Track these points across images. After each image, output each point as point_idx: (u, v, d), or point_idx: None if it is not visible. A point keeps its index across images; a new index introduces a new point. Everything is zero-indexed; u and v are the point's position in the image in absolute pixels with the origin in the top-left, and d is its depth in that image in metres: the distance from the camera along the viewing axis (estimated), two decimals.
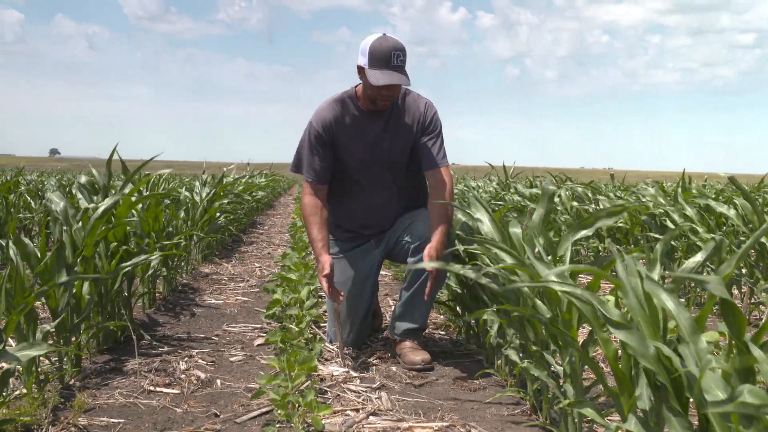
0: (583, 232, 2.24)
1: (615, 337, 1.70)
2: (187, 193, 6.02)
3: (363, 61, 2.98)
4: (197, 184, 6.63)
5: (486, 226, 2.69)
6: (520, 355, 2.51)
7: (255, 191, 10.89)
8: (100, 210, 2.86)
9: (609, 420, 2.09)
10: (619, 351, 1.69)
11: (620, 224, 5.40)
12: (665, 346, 1.43)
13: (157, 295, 4.35)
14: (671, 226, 4.72)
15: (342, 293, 3.12)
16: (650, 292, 1.48)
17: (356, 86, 3.19)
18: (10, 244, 2.50)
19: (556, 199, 6.24)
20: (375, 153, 3.17)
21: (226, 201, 7.00)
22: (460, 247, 2.98)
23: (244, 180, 10.11)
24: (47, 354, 2.71)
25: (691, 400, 1.44)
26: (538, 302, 2.09)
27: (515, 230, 2.59)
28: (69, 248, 2.76)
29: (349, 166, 3.18)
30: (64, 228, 2.82)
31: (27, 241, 2.59)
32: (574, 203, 6.12)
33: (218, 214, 6.66)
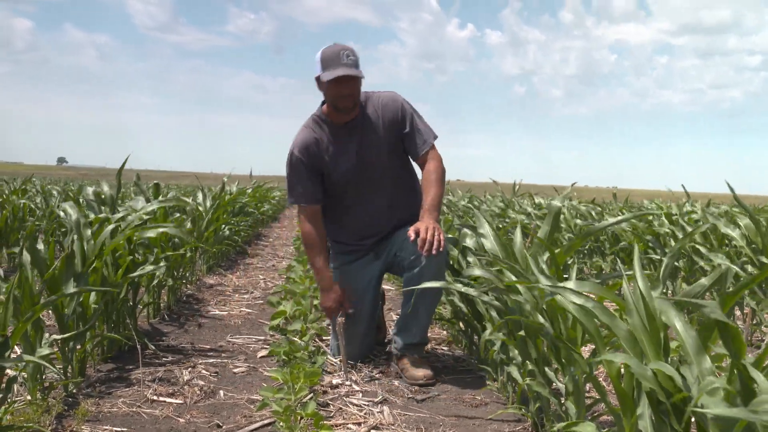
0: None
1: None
2: (192, 203, 6.05)
3: (317, 69, 3.07)
4: (199, 195, 6.62)
5: (490, 241, 2.70)
6: (522, 372, 2.52)
7: (260, 203, 10.91)
8: (111, 226, 2.90)
9: None
10: (622, 370, 1.70)
11: (624, 244, 5.41)
12: (667, 365, 1.44)
13: (161, 305, 4.37)
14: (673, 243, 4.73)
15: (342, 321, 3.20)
16: (660, 309, 1.49)
17: (321, 105, 3.26)
18: (24, 250, 2.52)
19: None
20: (361, 161, 3.20)
21: (231, 213, 7.02)
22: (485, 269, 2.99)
23: (249, 192, 10.13)
24: (52, 361, 2.73)
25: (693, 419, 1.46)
26: (541, 318, 2.10)
27: (519, 246, 2.61)
28: (79, 258, 2.78)
29: (340, 181, 3.21)
30: (75, 238, 2.83)
31: (40, 247, 2.62)
32: (578, 221, 6.12)
33: (223, 226, 6.68)
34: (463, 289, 2.55)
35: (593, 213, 6.61)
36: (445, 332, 4.03)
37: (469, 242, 3.14)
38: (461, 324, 3.54)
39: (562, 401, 2.15)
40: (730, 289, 2.26)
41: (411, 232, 2.97)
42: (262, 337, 3.82)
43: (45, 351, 2.26)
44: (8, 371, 2.61)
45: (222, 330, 4.01)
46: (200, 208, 6.09)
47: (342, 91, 3.05)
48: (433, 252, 2.93)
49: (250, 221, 9.44)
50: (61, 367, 2.71)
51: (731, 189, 3.99)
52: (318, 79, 3.09)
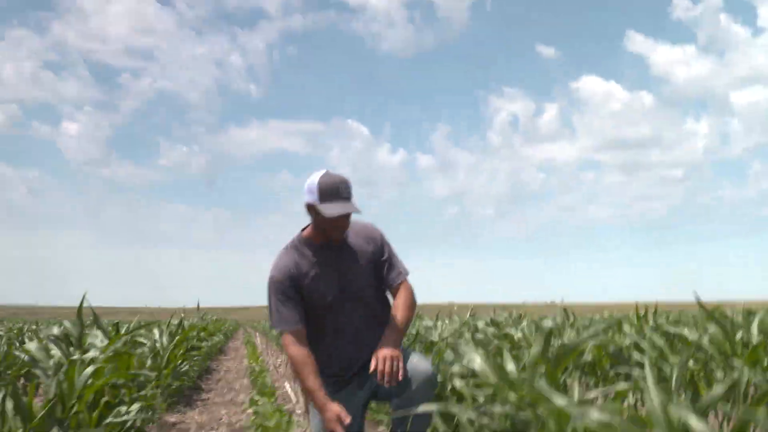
0: None
1: None
2: (150, 342, 5.93)
3: (312, 198, 3.07)
4: (156, 332, 6.50)
5: (478, 364, 2.72)
6: None
7: (209, 336, 10.72)
8: (92, 368, 2.83)
9: None
10: None
11: (587, 356, 5.45)
12: None
13: None
14: (637, 356, 4.82)
15: None
16: (681, 417, 1.52)
17: (302, 230, 3.27)
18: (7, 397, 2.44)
19: (519, 334, 6.30)
20: (343, 285, 3.20)
21: (187, 348, 6.90)
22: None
23: (199, 325, 9.96)
24: None
25: None
26: None
27: (510, 367, 2.63)
28: (59, 403, 2.70)
29: (321, 307, 3.18)
30: (56, 381, 2.76)
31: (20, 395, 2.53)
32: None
33: (180, 362, 6.54)
34: (464, 414, 2.53)
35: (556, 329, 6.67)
36: None
37: (455, 367, 3.14)
38: None
39: None
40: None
41: (372, 364, 2.97)
42: None
43: None
44: None
45: None
46: (157, 345, 5.98)
47: (339, 224, 3.10)
48: (392, 383, 2.93)
49: (202, 354, 9.25)
50: None
51: (703, 306, 4.10)
52: (311, 206, 3.10)
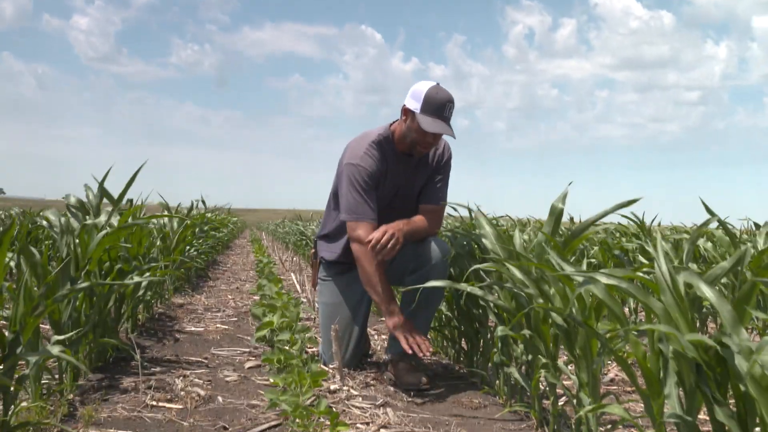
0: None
1: (641, 339, 1.76)
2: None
3: (414, 105, 2.97)
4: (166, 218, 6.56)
5: (490, 241, 2.74)
6: (531, 368, 2.54)
7: (221, 228, 10.84)
8: (104, 231, 2.88)
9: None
10: (648, 352, 1.74)
11: (592, 259, 5.49)
12: (704, 336, 1.48)
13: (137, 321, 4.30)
14: (643, 260, 4.85)
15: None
16: (691, 283, 1.54)
17: (390, 125, 3.19)
18: (20, 255, 2.47)
19: (525, 236, 6.32)
20: (398, 195, 3.22)
21: (195, 233, 6.97)
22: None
23: (209, 215, 10.04)
24: (47, 366, 2.66)
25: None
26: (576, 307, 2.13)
27: (520, 244, 2.66)
28: (72, 262, 2.74)
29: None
30: (67, 242, 2.80)
31: (34, 251, 2.55)
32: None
33: (188, 247, 6.62)
34: (469, 288, 2.57)
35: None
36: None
37: (461, 250, 3.16)
38: (448, 332, 3.57)
39: (576, 393, 2.19)
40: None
41: (373, 234, 2.97)
42: (246, 350, 3.79)
43: (56, 349, 2.20)
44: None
45: (203, 344, 3.96)
46: (167, 228, 6.03)
47: (429, 141, 3.02)
48: (379, 258, 2.96)
49: (210, 243, 9.35)
50: (57, 374, 2.66)
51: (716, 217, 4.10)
52: (410, 111, 3.01)
